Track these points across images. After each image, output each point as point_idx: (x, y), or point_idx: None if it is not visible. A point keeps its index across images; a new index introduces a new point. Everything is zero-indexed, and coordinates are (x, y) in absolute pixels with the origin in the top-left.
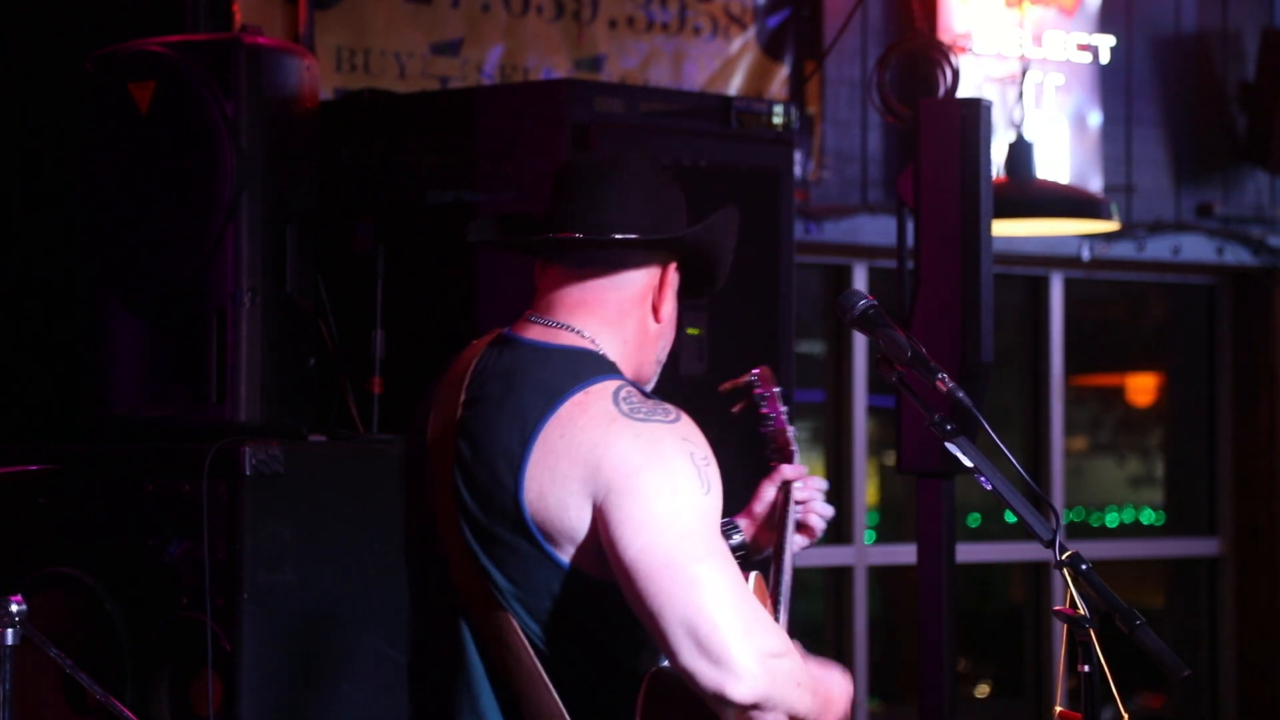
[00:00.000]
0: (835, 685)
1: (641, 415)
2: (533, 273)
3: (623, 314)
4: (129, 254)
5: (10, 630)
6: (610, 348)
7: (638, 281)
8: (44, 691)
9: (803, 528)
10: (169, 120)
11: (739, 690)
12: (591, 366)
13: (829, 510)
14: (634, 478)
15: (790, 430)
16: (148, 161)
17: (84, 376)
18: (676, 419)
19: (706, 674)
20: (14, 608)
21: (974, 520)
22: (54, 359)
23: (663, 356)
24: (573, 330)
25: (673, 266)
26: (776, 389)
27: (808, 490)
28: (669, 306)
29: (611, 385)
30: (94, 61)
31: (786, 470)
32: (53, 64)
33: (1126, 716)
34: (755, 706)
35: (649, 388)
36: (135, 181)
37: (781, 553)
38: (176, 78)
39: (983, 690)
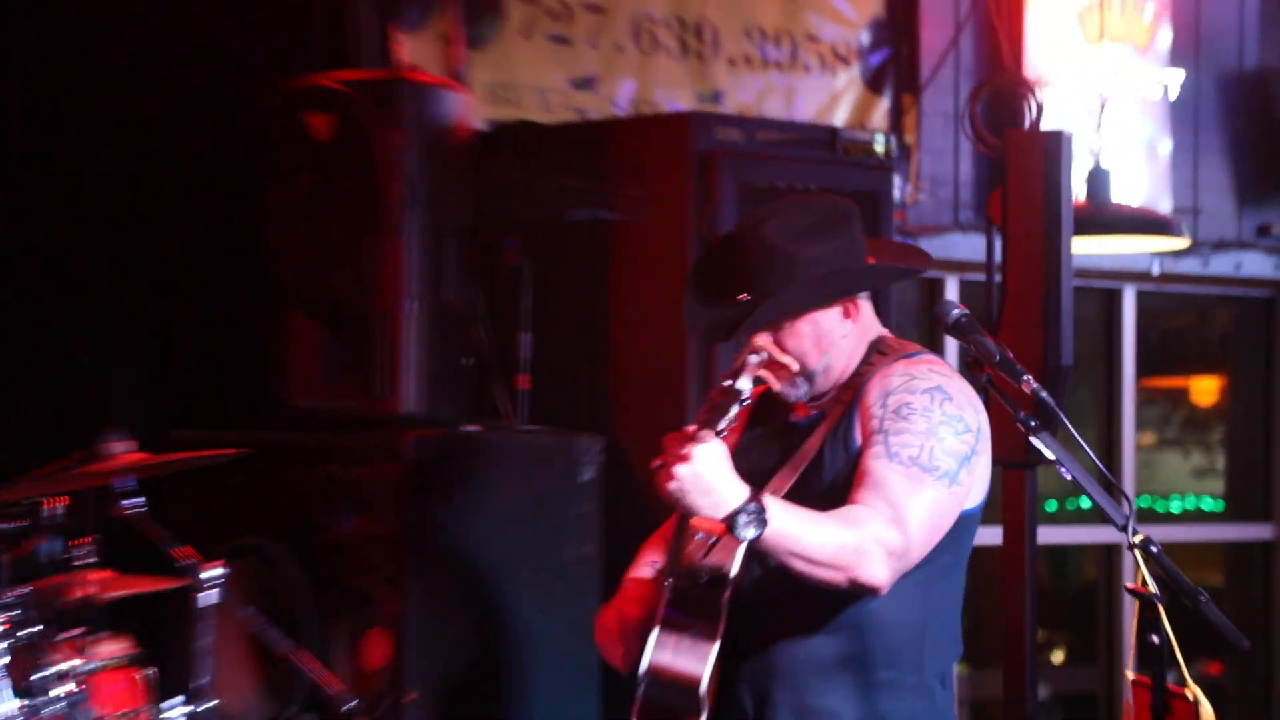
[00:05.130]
0: None
1: None
2: (653, 285)
3: None
4: (308, 267)
5: (213, 592)
6: None
7: None
8: (238, 646)
9: None
10: (343, 148)
11: None
12: None
13: None
14: None
15: None
16: (324, 184)
17: (270, 374)
18: None
19: None
20: (216, 572)
21: (1051, 506)
22: (245, 359)
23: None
24: None
25: None
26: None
27: None
28: None
29: None
30: (277, 95)
31: None
32: (235, 95)
33: (1190, 682)
34: None
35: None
36: (313, 202)
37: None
38: (350, 111)
39: (1058, 657)
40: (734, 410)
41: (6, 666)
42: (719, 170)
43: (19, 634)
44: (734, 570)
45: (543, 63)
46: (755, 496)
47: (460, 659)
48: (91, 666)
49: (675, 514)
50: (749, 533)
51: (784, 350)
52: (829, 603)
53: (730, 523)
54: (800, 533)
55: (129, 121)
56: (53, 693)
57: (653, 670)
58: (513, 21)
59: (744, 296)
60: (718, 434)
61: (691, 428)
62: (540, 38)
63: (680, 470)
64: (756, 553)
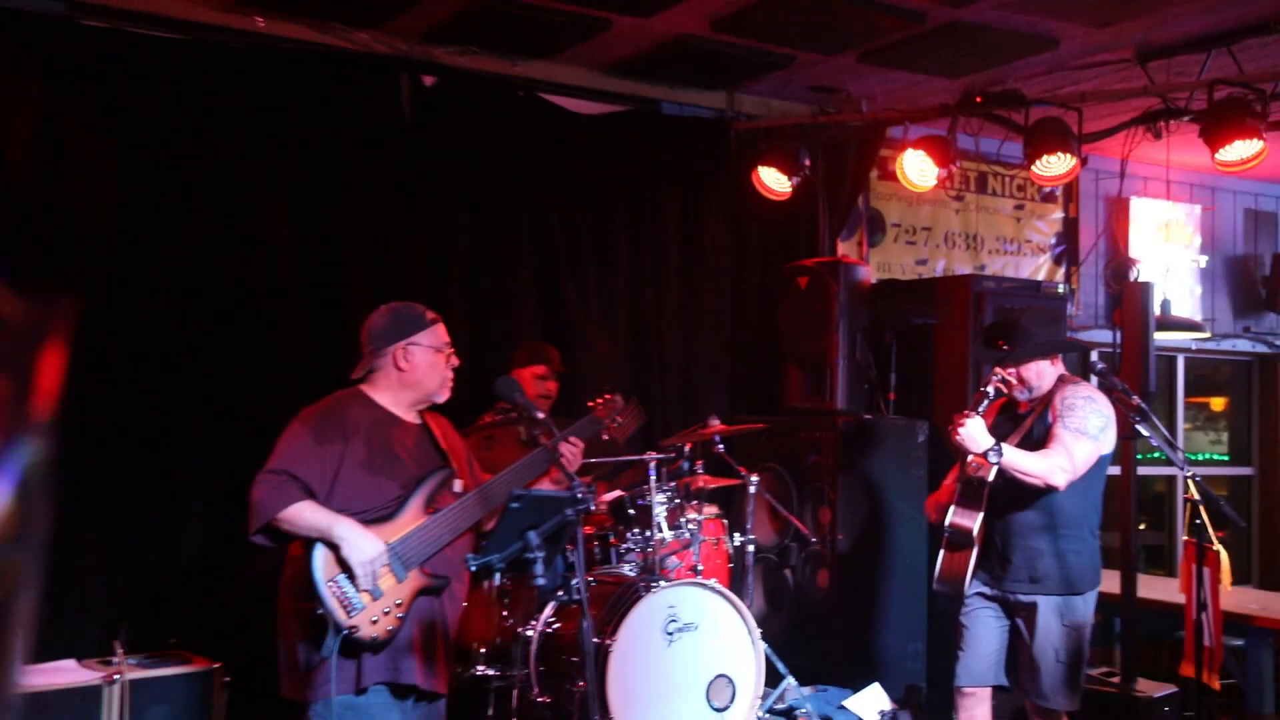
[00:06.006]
0: None
1: None
2: (953, 352)
3: None
4: (797, 343)
5: (753, 486)
6: None
7: None
8: (763, 509)
9: None
10: (813, 292)
11: None
12: None
13: None
14: None
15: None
16: (804, 307)
17: (779, 390)
18: None
19: None
20: (754, 479)
21: (1140, 455)
22: (769, 384)
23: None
24: None
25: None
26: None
27: None
28: None
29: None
30: (788, 269)
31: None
32: (768, 272)
33: (1216, 542)
34: None
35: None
36: (800, 314)
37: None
38: (818, 275)
39: (1143, 526)
40: (986, 403)
41: (665, 518)
42: (984, 301)
43: (670, 501)
44: (990, 478)
45: (902, 253)
46: (998, 443)
47: (861, 520)
48: (701, 517)
49: (959, 456)
50: (995, 460)
51: (1018, 375)
52: (1035, 495)
53: (986, 455)
54: (1021, 460)
55: (749, 291)
56: (686, 528)
57: (951, 525)
58: (888, 235)
59: (1005, 347)
60: (978, 414)
61: (966, 411)
62: (901, 242)
63: (960, 430)
64: (1000, 470)
